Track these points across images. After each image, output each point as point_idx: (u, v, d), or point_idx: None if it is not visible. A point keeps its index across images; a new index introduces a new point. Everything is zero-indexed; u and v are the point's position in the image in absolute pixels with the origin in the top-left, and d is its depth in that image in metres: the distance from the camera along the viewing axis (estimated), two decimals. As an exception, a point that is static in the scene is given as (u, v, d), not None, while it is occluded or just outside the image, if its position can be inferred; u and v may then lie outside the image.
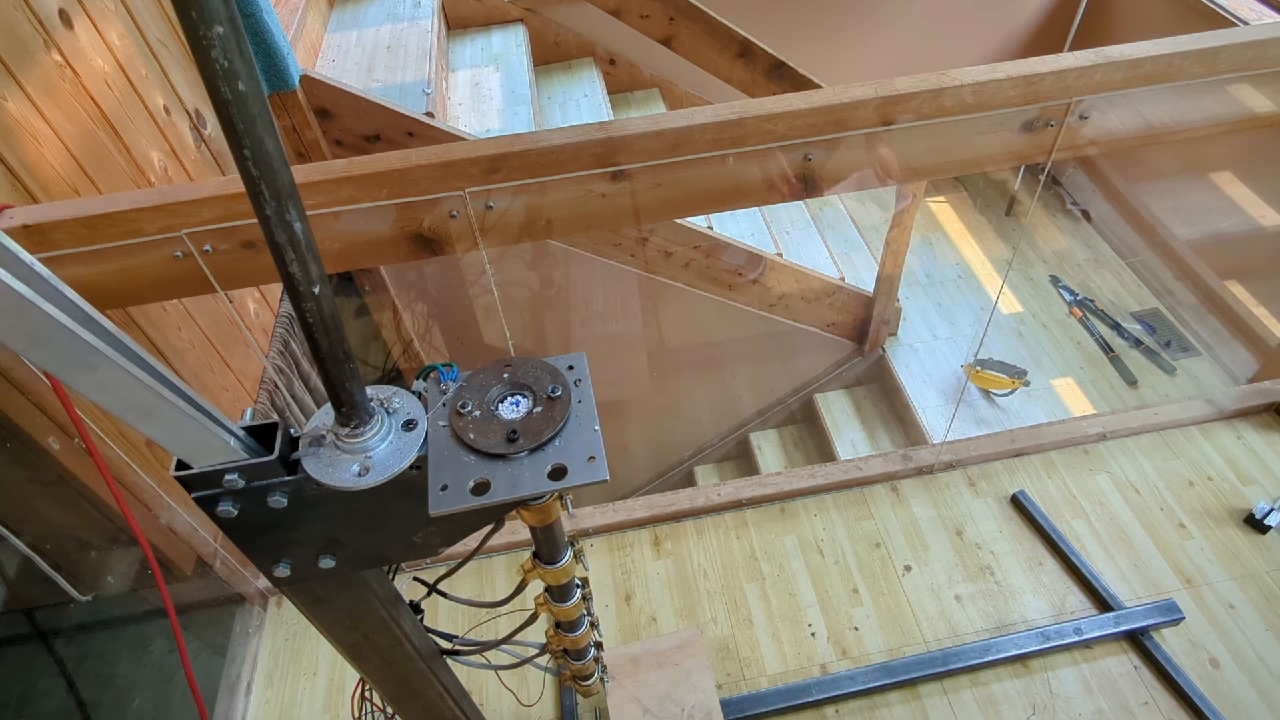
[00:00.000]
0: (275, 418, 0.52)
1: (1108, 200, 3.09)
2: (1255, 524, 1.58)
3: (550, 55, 2.65)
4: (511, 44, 2.40)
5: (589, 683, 0.97)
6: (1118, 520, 1.64)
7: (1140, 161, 2.97)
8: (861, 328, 2.60)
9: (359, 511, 0.54)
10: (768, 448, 2.86)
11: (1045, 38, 2.96)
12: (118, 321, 1.16)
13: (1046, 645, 1.43)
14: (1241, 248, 2.71)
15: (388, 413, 0.53)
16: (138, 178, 1.25)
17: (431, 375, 0.56)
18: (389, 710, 0.91)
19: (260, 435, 0.52)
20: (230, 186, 0.97)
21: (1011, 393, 2.51)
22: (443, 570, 0.77)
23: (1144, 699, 1.38)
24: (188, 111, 1.46)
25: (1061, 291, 2.85)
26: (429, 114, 1.75)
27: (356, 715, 0.91)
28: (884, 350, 2.67)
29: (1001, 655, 1.42)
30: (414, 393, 0.55)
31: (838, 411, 2.72)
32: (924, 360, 2.66)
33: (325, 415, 0.52)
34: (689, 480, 3.03)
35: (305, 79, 1.64)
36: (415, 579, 0.79)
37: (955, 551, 1.61)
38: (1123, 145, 1.15)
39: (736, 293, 2.34)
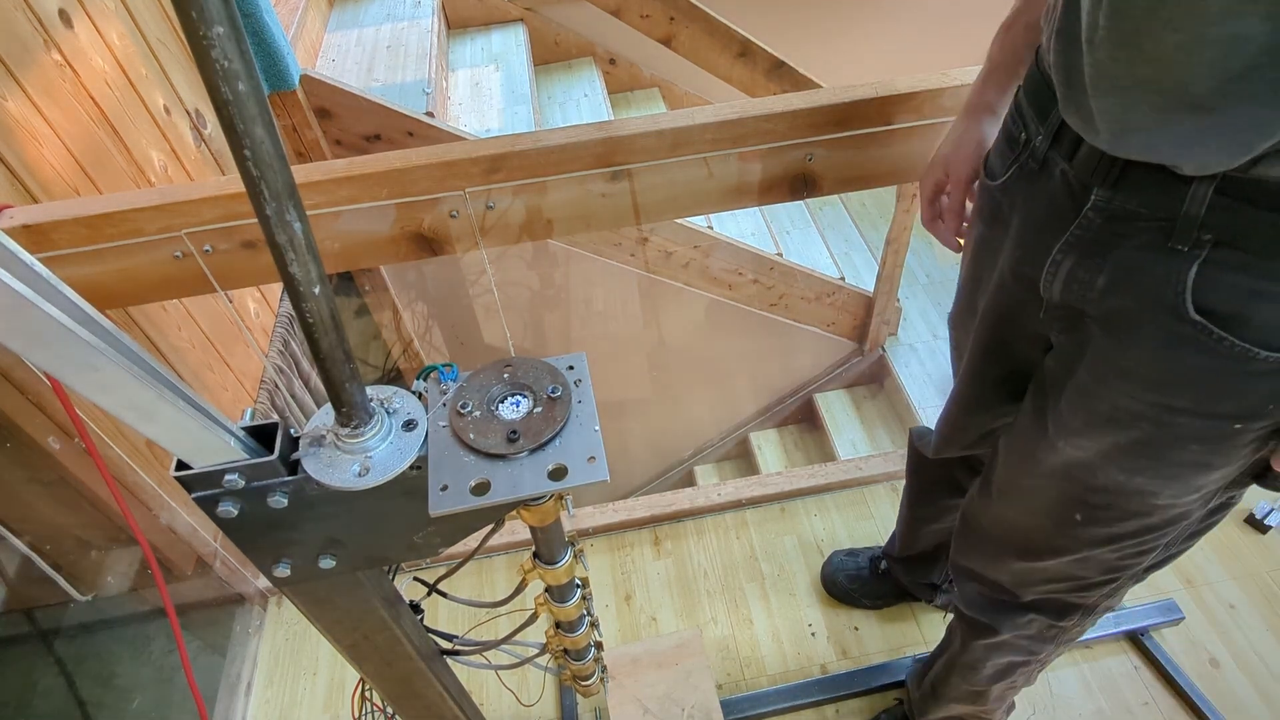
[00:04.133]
0: (275, 418, 0.51)
1: (1108, 200, 3.08)
2: (1255, 524, 1.58)
3: (550, 55, 2.65)
4: (511, 44, 2.40)
5: (589, 683, 0.97)
6: (1118, 520, 1.63)
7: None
8: (861, 328, 2.60)
9: (359, 511, 0.54)
10: (768, 448, 2.86)
11: (1045, 38, 2.96)
12: (118, 321, 1.16)
13: (1046, 645, 1.43)
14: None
15: (388, 413, 0.53)
16: (138, 178, 1.25)
17: (431, 375, 0.56)
18: (389, 710, 0.91)
19: (260, 435, 0.51)
20: (230, 186, 0.97)
21: (1011, 393, 2.50)
22: (443, 570, 0.77)
23: (1144, 699, 1.38)
24: (188, 111, 1.46)
25: (1061, 291, 2.84)
26: (429, 114, 1.75)
27: (356, 715, 0.91)
28: (884, 350, 2.67)
29: (1001, 655, 1.42)
30: (414, 393, 0.55)
31: (838, 411, 2.72)
32: (924, 360, 2.66)
33: (325, 415, 0.52)
34: (689, 480, 3.03)
35: (305, 79, 1.64)
36: (415, 579, 0.79)
37: (955, 551, 1.61)
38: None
39: (736, 293, 2.34)
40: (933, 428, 1.17)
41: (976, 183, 0.86)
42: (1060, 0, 0.63)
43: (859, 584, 1.50)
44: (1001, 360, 0.86)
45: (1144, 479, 0.71)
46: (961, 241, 0.93)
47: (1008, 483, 0.87)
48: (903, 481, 1.72)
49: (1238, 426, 0.63)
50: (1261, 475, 0.70)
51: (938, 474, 1.18)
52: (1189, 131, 0.54)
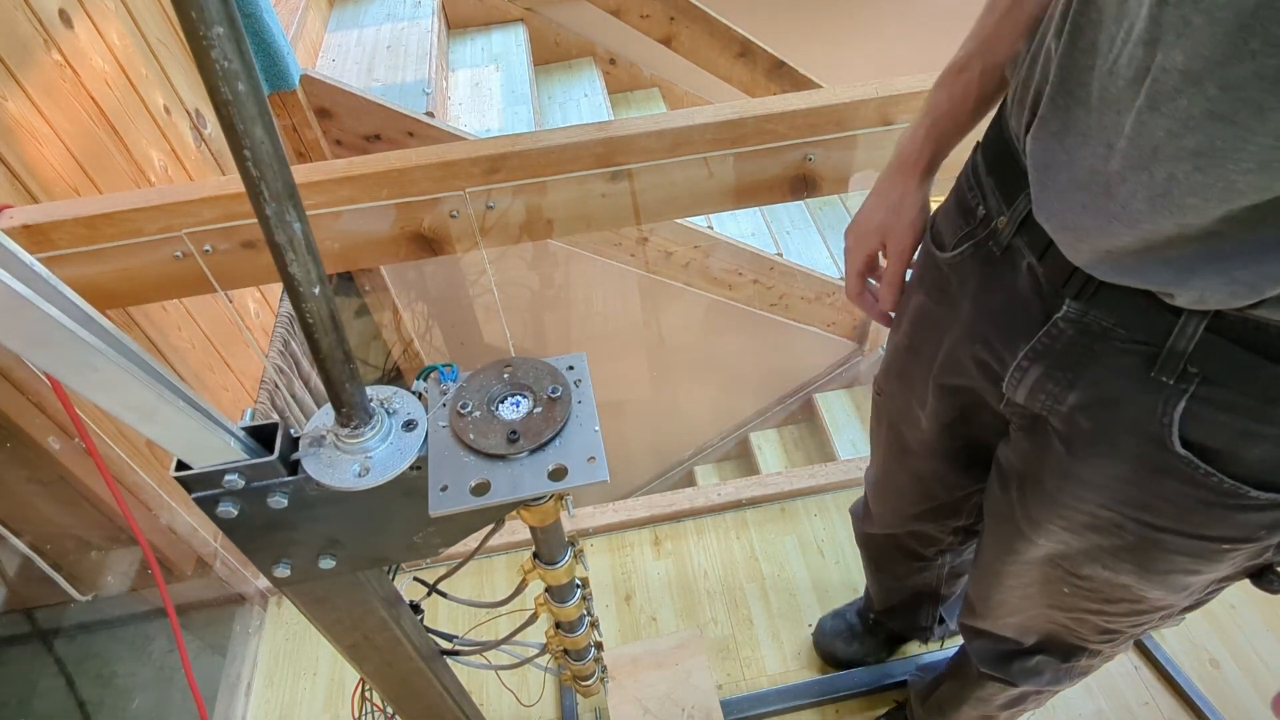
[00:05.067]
0: (275, 418, 0.51)
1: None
2: (1255, 524, 1.58)
3: (550, 55, 2.65)
4: (511, 44, 2.40)
5: (589, 683, 0.97)
6: (1118, 520, 1.63)
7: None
8: (861, 328, 2.60)
9: (359, 512, 0.54)
10: (768, 448, 2.86)
11: (1045, 38, 2.95)
12: (118, 321, 1.16)
13: (1046, 645, 1.43)
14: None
15: (388, 413, 0.53)
16: (138, 178, 1.25)
17: (431, 375, 0.56)
18: (389, 710, 0.91)
19: (260, 435, 0.51)
20: (230, 186, 0.97)
21: (1011, 393, 2.50)
22: (443, 570, 0.77)
23: (1144, 699, 1.38)
24: (188, 111, 1.46)
25: (1061, 291, 2.84)
26: (429, 114, 1.75)
27: (356, 715, 0.91)
28: (884, 350, 2.67)
29: (1001, 655, 1.42)
30: (414, 393, 0.55)
31: (838, 411, 2.72)
32: (924, 360, 2.66)
33: (325, 415, 0.52)
34: (689, 480, 3.03)
35: (305, 79, 1.64)
36: (415, 579, 0.79)
37: (955, 551, 1.61)
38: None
39: (736, 293, 2.34)
40: (862, 498, 1.14)
41: (922, 247, 0.78)
42: (1048, 83, 0.55)
43: (856, 644, 1.43)
44: (960, 435, 0.81)
45: (1130, 579, 0.68)
46: (893, 315, 0.85)
47: (992, 565, 0.83)
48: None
49: (1226, 547, 0.59)
50: (1257, 576, 0.65)
51: (887, 544, 1.14)
52: (1190, 262, 0.48)
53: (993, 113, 0.68)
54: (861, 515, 1.15)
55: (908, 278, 0.82)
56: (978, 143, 0.70)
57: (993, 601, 0.88)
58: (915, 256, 0.79)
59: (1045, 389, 0.62)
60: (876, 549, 1.19)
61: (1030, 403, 0.64)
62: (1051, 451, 0.65)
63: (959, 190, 0.70)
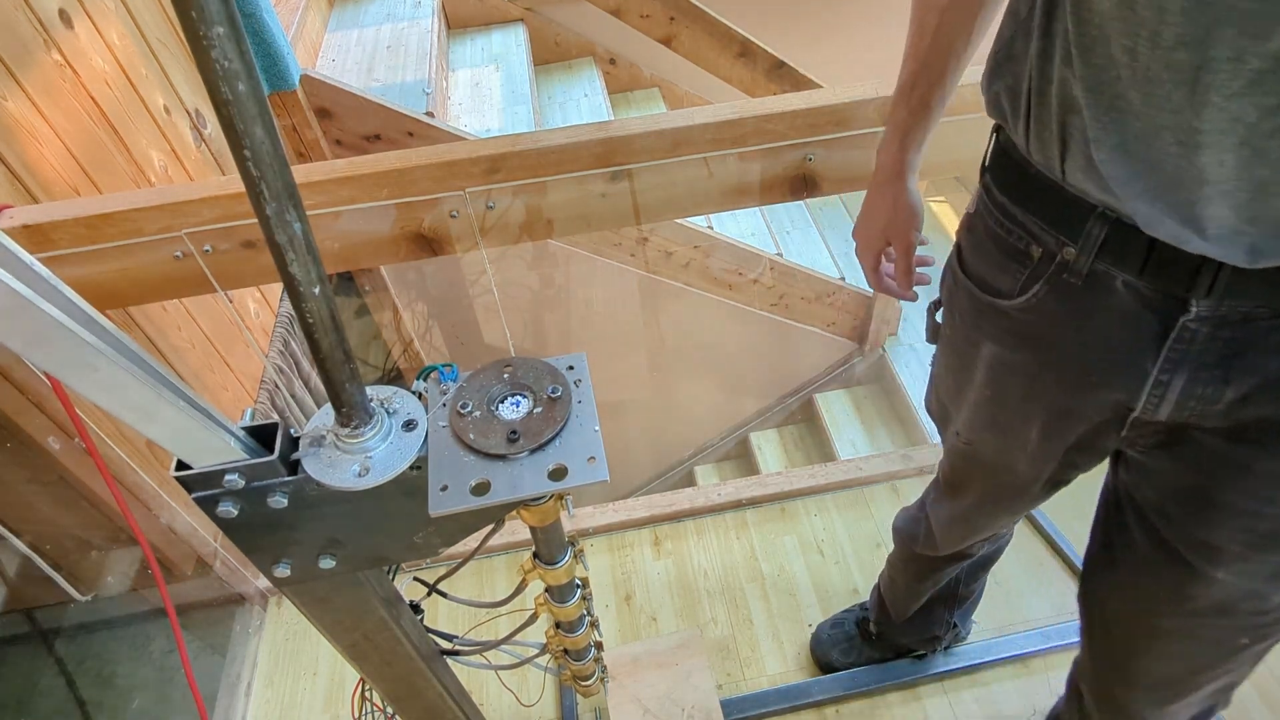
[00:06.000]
0: (275, 418, 0.51)
1: (1108, 200, 3.08)
2: (1255, 524, 1.57)
3: (550, 55, 2.65)
4: (511, 44, 2.41)
5: (589, 683, 0.97)
6: (1118, 520, 1.63)
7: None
8: (861, 328, 2.60)
9: (359, 512, 0.54)
10: (768, 448, 2.86)
11: (1045, 38, 2.95)
12: (118, 321, 1.16)
13: (1047, 645, 1.43)
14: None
15: (388, 413, 0.53)
16: (138, 178, 1.25)
17: (431, 375, 0.56)
18: (389, 710, 0.91)
19: (260, 435, 0.51)
20: (230, 186, 0.97)
21: (1011, 393, 2.50)
22: (443, 570, 0.77)
23: (1144, 699, 1.38)
24: (188, 111, 1.46)
25: (1061, 291, 2.84)
26: (429, 114, 1.75)
27: (356, 715, 0.91)
28: (884, 350, 2.67)
29: (1002, 655, 1.42)
30: (414, 393, 0.55)
31: (838, 411, 2.72)
32: (924, 360, 2.66)
33: (325, 415, 0.52)
34: (689, 480, 3.03)
35: (305, 79, 1.64)
36: (415, 579, 0.79)
37: (955, 551, 1.61)
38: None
39: (736, 293, 2.34)
40: (914, 520, 1.13)
41: (961, 295, 0.79)
42: (1079, 107, 0.54)
43: (855, 655, 1.42)
44: (1065, 472, 0.80)
45: None
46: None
47: (1145, 632, 0.77)
48: (902, 481, 1.73)
49: None
50: None
51: (940, 558, 1.11)
52: None
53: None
54: (921, 540, 1.11)
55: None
56: (984, 185, 0.70)
57: (1144, 679, 0.81)
58: (942, 279, 0.88)
59: (1195, 394, 0.60)
60: (924, 563, 1.16)
61: (1178, 414, 0.62)
62: (1214, 458, 0.62)
63: (991, 235, 0.69)
